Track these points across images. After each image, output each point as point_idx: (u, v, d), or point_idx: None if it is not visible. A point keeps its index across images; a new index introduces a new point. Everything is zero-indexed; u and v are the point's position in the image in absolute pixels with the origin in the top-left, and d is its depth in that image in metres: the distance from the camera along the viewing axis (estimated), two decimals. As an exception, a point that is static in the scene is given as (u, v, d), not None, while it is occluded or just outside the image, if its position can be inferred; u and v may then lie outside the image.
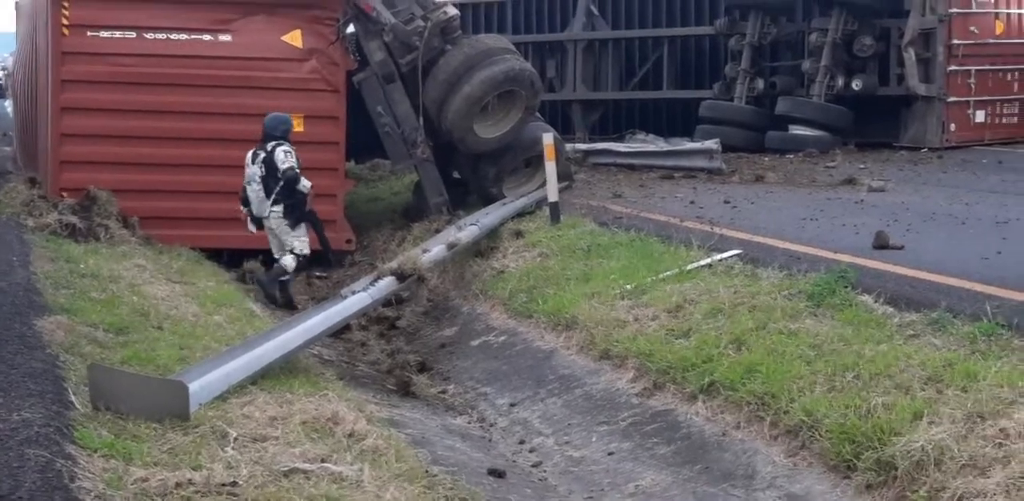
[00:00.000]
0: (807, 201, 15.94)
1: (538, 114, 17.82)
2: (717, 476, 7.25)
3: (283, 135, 13.86)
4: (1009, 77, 23.25)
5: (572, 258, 12.48)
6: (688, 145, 21.24)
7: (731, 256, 11.38)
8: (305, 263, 14.18)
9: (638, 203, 16.17)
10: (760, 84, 24.00)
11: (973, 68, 22.70)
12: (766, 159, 21.69)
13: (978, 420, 6.72)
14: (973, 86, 22.74)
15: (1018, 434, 6.46)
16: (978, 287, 9.71)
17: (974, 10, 22.81)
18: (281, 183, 13.60)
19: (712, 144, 20.31)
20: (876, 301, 9.26)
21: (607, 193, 17.27)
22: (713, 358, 8.60)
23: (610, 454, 8.02)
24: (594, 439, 8.26)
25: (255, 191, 13.81)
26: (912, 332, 8.47)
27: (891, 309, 9.06)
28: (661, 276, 10.90)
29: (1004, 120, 23.28)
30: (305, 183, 13.71)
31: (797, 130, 22.85)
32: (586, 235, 13.39)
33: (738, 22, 24.38)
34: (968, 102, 22.79)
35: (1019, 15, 23.59)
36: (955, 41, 22.48)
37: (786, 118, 23.07)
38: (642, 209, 15.44)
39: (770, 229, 13.31)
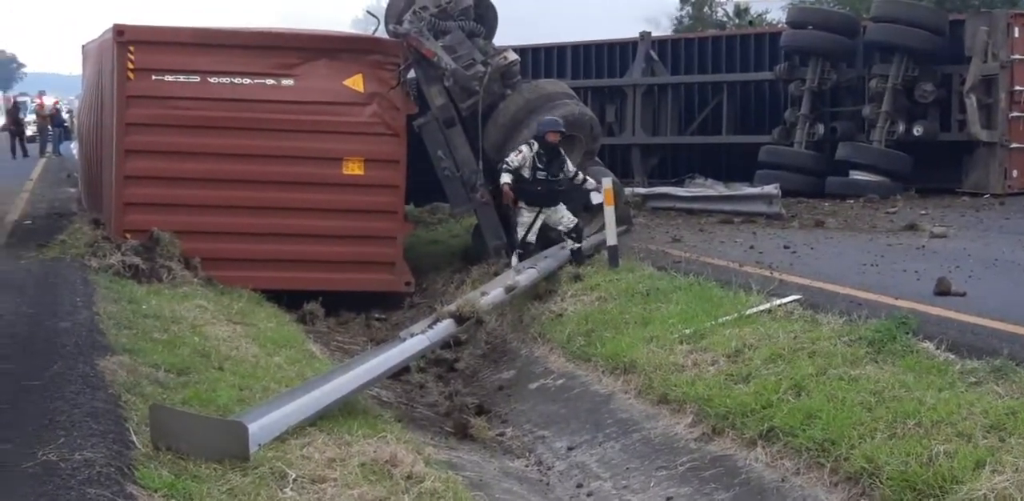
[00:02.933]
0: (868, 247, 15.86)
1: (597, 159, 17.85)
2: (778, 523, 7.19)
3: (540, 136, 15.07)
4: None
5: (631, 302, 12.44)
6: (747, 190, 21.24)
7: (791, 301, 11.32)
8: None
9: (697, 247, 16.16)
10: (820, 129, 24.02)
11: (1037, 114, 22.58)
12: (826, 204, 21.65)
13: (1042, 468, 6.63)
14: (1035, 133, 22.60)
15: (1083, 484, 6.38)
16: (1043, 335, 9.61)
17: (1037, 56, 22.71)
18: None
19: (772, 189, 20.28)
20: (937, 348, 9.18)
21: (666, 237, 17.26)
22: (772, 404, 8.53)
23: (668, 499, 7.98)
24: (652, 484, 8.22)
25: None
26: (974, 379, 8.36)
27: (953, 356, 8.98)
28: (720, 321, 10.85)
29: (1066, 166, 23.09)
30: (503, 178, 14.89)
31: (858, 175, 22.82)
32: (645, 279, 13.35)
33: (798, 67, 24.45)
34: (1032, 148, 22.65)
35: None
36: (1017, 87, 22.39)
37: (846, 163, 23.05)
38: (701, 253, 15.42)
39: (830, 274, 13.24)
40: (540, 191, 15.06)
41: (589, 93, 26.04)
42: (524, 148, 15.07)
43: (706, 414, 8.85)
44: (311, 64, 16.27)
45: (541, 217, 15.16)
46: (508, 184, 14.85)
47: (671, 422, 9.11)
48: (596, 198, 15.62)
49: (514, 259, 15.11)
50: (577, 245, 14.99)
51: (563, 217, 15.17)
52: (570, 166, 15.27)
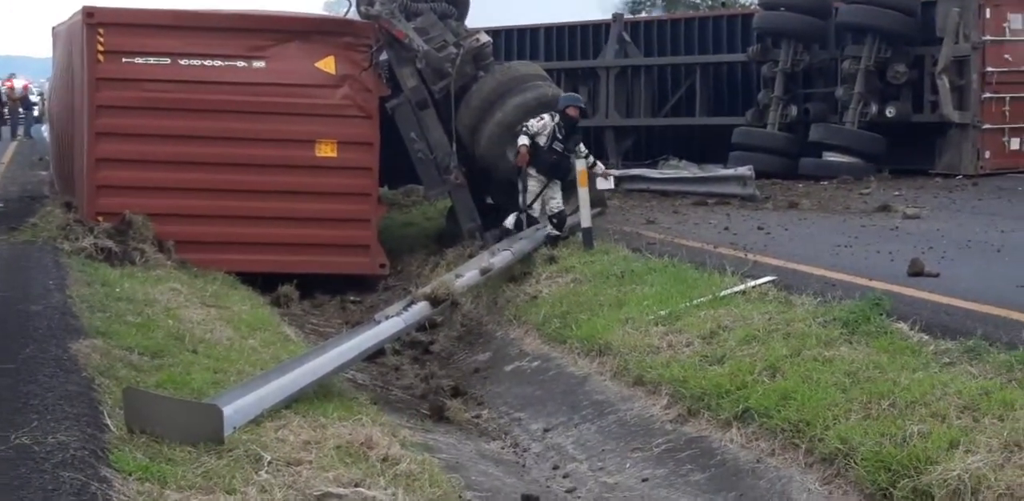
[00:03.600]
0: (841, 228, 15.89)
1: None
2: (752, 503, 7.21)
3: (560, 109, 15.16)
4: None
5: (605, 284, 12.45)
6: (721, 171, 21.25)
7: (765, 282, 11.34)
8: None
9: (671, 229, 16.17)
10: (793, 111, 24.03)
11: (1008, 95, 22.64)
12: (800, 186, 21.68)
13: (1015, 449, 6.67)
14: (1008, 113, 22.66)
15: (1056, 463, 6.41)
16: (1014, 315, 9.68)
17: (1008, 38, 22.76)
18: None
19: (745, 170, 20.30)
20: (911, 329, 9.22)
21: (640, 219, 17.27)
22: (747, 385, 8.56)
23: (644, 480, 7.99)
24: (628, 465, 8.23)
25: None
26: (948, 360, 8.40)
27: (926, 337, 9.02)
28: (695, 302, 10.87)
29: (1040, 147, 23.18)
30: (520, 139, 14.96)
31: (831, 157, 22.84)
32: (619, 261, 13.36)
33: (771, 49, 24.43)
34: (1003, 129, 22.74)
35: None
36: (989, 68, 22.43)
37: (820, 145, 23.07)
38: (675, 235, 15.43)
39: (804, 256, 13.28)
40: (553, 161, 15.15)
41: (562, 75, 25.97)
42: (546, 116, 15.13)
43: (681, 395, 8.87)
44: (282, 46, 16.20)
45: (546, 190, 15.26)
46: (526, 146, 14.90)
47: (646, 404, 9.13)
48: (603, 184, 15.71)
49: (511, 219, 15.19)
50: (556, 232, 14.99)
51: (553, 198, 15.20)
52: (583, 146, 15.34)
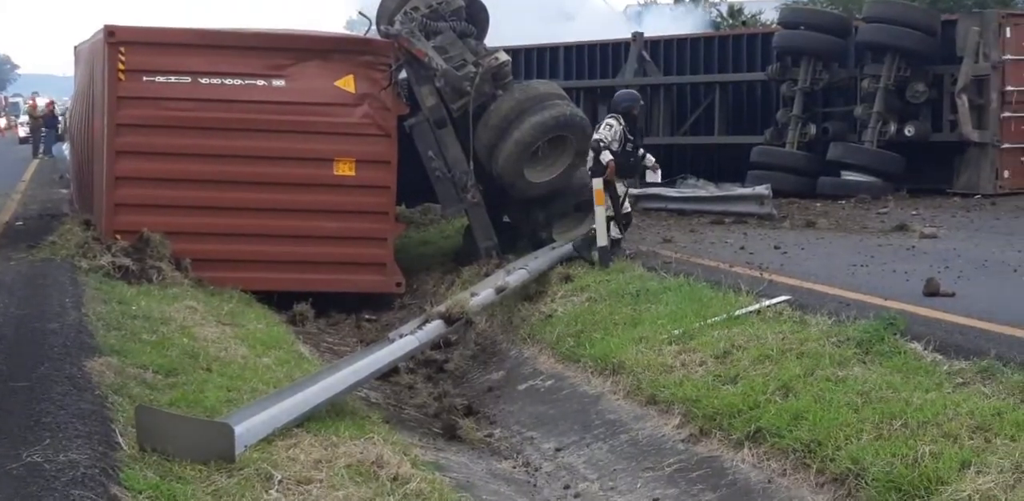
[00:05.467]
0: (858, 247, 15.87)
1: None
2: (762, 524, 7.20)
3: (623, 110, 15.25)
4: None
5: (620, 303, 12.45)
6: (739, 190, 21.26)
7: (780, 302, 11.33)
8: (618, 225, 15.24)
9: (688, 248, 16.18)
10: (812, 130, 24.06)
11: (1028, 114, 22.60)
12: (817, 205, 21.68)
13: (1027, 471, 6.65)
14: (1028, 133, 22.63)
15: (1068, 485, 6.39)
16: (1031, 336, 9.64)
17: (1028, 56, 22.73)
18: (592, 151, 15.04)
19: (763, 189, 20.31)
20: (925, 349, 9.20)
21: (657, 238, 17.28)
22: (760, 404, 8.55)
23: (655, 500, 7.98)
24: (639, 485, 8.23)
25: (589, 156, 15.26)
26: (961, 380, 8.39)
27: (940, 357, 9.00)
28: (709, 321, 10.86)
29: (1060, 167, 23.10)
30: (606, 156, 14.80)
31: (849, 176, 22.85)
32: (635, 280, 13.36)
33: (790, 68, 24.46)
34: (1022, 149, 22.67)
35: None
36: (1008, 87, 22.40)
37: (838, 164, 23.08)
38: (692, 254, 15.44)
39: (820, 275, 13.26)
40: (631, 163, 15.39)
41: (581, 94, 26.04)
42: (612, 122, 15.19)
43: (694, 415, 8.86)
44: (302, 65, 16.24)
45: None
46: (612, 160, 14.92)
47: (659, 423, 9.12)
48: (651, 177, 15.93)
49: (615, 230, 15.18)
50: (617, 235, 15.21)
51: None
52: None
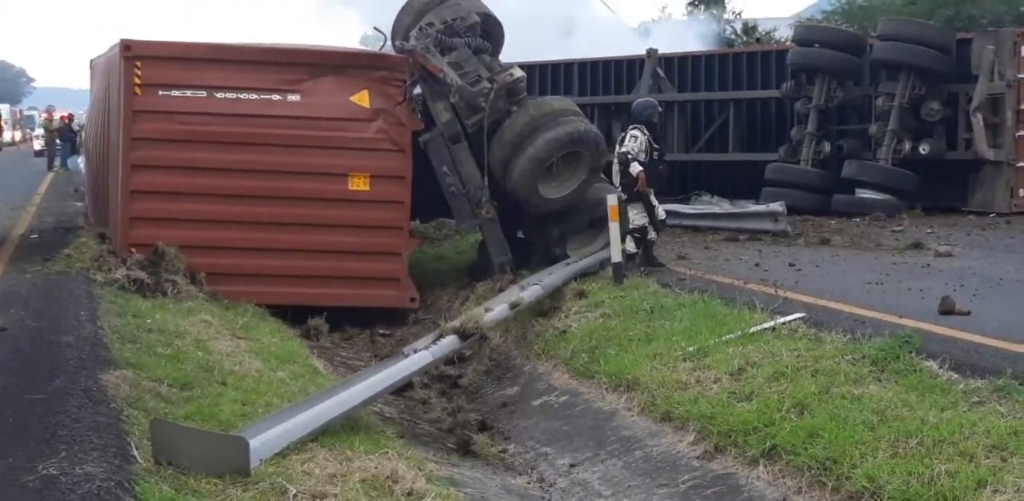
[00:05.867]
0: (873, 265, 15.85)
1: (603, 175, 17.87)
2: (777, 542, 7.18)
3: (645, 119, 15.65)
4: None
5: (635, 319, 12.44)
6: (753, 207, 21.24)
7: (795, 319, 11.30)
8: (644, 234, 15.68)
9: (702, 265, 16.16)
10: (826, 147, 24.06)
11: (1043, 133, 22.55)
12: (832, 222, 21.65)
13: (1043, 489, 6.63)
14: (1043, 151, 22.57)
15: (1084, 504, 6.38)
16: (1047, 354, 9.61)
17: (1043, 76, 22.69)
18: (619, 164, 15.42)
19: (778, 206, 20.29)
20: (941, 367, 9.18)
21: (671, 254, 17.25)
22: (775, 422, 8.54)
23: (669, 517, 8.00)
24: (654, 501, 8.23)
25: (615, 169, 15.63)
26: (977, 399, 8.37)
27: (956, 375, 8.97)
28: (724, 338, 10.85)
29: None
30: (635, 167, 15.22)
31: (864, 194, 22.83)
32: (649, 296, 13.35)
33: (804, 86, 24.46)
34: (1038, 167, 22.62)
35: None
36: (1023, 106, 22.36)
37: (853, 181, 23.06)
38: (706, 271, 15.42)
39: (835, 293, 13.23)
40: (659, 171, 15.79)
41: (596, 110, 26.07)
42: (637, 133, 15.47)
43: (709, 432, 8.85)
44: (317, 80, 16.28)
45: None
46: (642, 171, 15.24)
47: (674, 440, 9.11)
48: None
49: (652, 233, 15.67)
50: (632, 250, 15.43)
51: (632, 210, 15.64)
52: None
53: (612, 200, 14.74)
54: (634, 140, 15.26)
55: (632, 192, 15.41)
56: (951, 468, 7.06)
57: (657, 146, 15.53)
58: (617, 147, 15.68)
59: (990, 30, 25.23)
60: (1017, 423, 7.67)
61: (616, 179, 15.75)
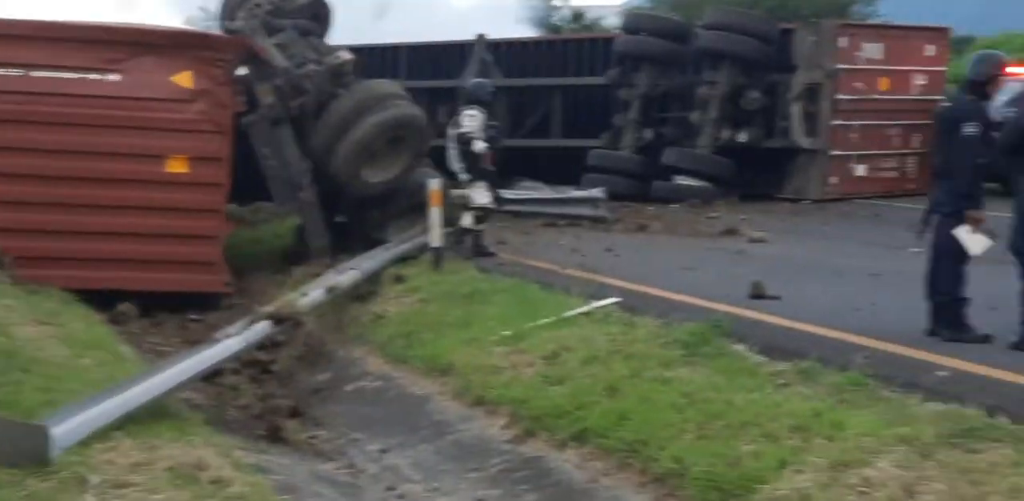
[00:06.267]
0: (688, 251, 16.09)
1: (429, 160, 17.82)
2: (583, 523, 7.22)
3: (478, 100, 15.57)
4: (890, 132, 23.65)
5: (452, 304, 12.43)
6: (573, 193, 21.36)
7: (610, 304, 11.41)
8: (486, 215, 15.70)
9: (521, 250, 16.21)
10: (648, 134, 24.24)
11: (857, 123, 23.10)
12: (650, 208, 21.85)
13: (842, 469, 6.77)
14: (855, 140, 23.15)
15: (880, 483, 6.53)
16: (849, 337, 9.89)
17: (859, 66, 23.24)
18: (459, 144, 15.28)
19: (597, 192, 20.45)
20: (749, 350, 9.37)
21: (490, 239, 17.25)
22: (586, 405, 8.59)
23: (478, 500, 7.97)
24: (463, 486, 8.20)
25: (451, 151, 15.45)
26: (783, 381, 8.55)
27: (764, 358, 9.18)
28: (539, 323, 10.90)
29: (883, 174, 23.67)
30: (479, 145, 15.18)
31: (682, 180, 23.08)
32: (467, 281, 13.36)
33: (629, 73, 24.60)
34: (850, 156, 23.18)
35: (903, 72, 24.06)
36: (840, 96, 22.88)
37: (671, 168, 23.30)
38: (525, 256, 15.47)
39: (650, 278, 13.38)
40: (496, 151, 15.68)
41: (423, 94, 25.94)
42: (474, 113, 15.30)
43: (520, 416, 8.88)
44: (138, 59, 15.81)
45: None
46: (486, 147, 15.23)
47: (486, 424, 9.12)
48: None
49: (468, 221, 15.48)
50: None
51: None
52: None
53: (433, 185, 14.69)
54: (472, 119, 15.22)
55: (477, 170, 15.36)
56: (755, 449, 7.18)
57: (495, 124, 15.53)
58: (450, 130, 15.60)
59: (812, 21, 25.80)
60: (819, 404, 7.84)
61: (455, 161, 15.59)
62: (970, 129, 9.91)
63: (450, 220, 15.88)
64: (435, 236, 14.46)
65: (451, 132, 15.52)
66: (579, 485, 7.71)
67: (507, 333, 10.76)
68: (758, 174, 23.24)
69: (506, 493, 7.88)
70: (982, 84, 10.31)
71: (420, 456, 9.04)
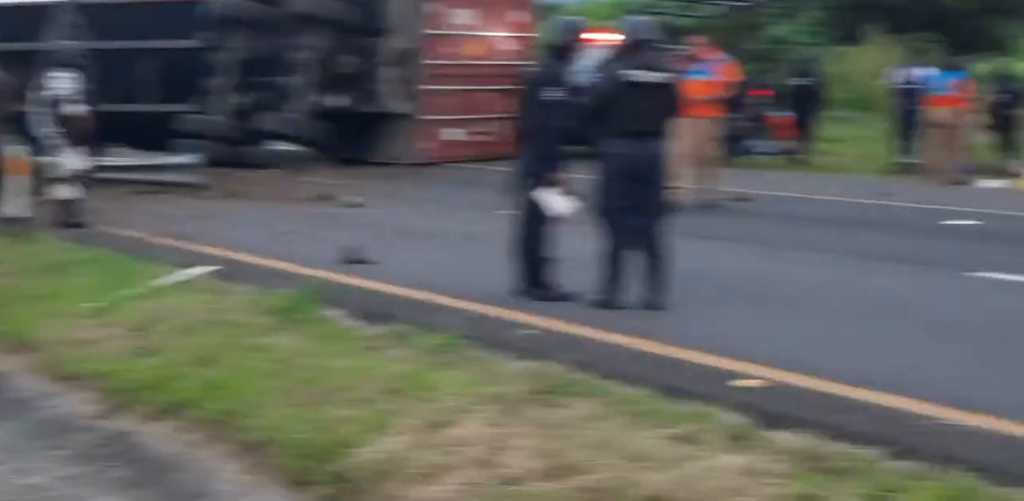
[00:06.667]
0: (285, 216, 16.01)
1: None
2: (174, 496, 7.05)
3: (70, 63, 15.74)
4: (481, 97, 24.20)
5: (38, 277, 11.90)
6: (164, 159, 20.86)
7: (204, 272, 11.25)
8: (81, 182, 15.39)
9: (112, 219, 15.72)
10: (242, 99, 23.93)
11: (447, 87, 23.54)
12: (245, 174, 21.58)
13: (435, 429, 6.89)
14: (447, 105, 23.58)
15: (471, 441, 6.68)
16: (442, 299, 10.12)
17: (449, 32, 23.67)
18: (50, 108, 15.09)
19: (190, 159, 20.07)
20: (345, 316, 9.44)
21: (81, 208, 16.66)
22: (180, 377, 8.40)
23: (66, 479, 7.67)
24: (50, 465, 7.87)
25: (35, 116, 15.15)
26: (377, 345, 8.65)
27: (359, 323, 9.28)
28: (130, 292, 10.62)
29: (476, 138, 24.26)
30: (80, 107, 15.13)
31: (276, 145, 22.94)
32: (54, 251, 12.85)
33: (224, 36, 24.17)
34: (442, 121, 23.64)
35: (494, 38, 24.65)
36: (430, 61, 23.23)
37: (266, 133, 23.12)
38: (116, 225, 15.03)
39: (246, 245, 13.27)
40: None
41: (7, 58, 24.64)
42: (67, 75, 15.20)
43: (109, 390, 8.60)
44: None
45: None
46: (85, 110, 15.11)
47: (72, 400, 8.78)
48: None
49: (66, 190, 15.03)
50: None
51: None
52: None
53: (11, 152, 14.04)
54: (64, 82, 14.65)
55: (73, 135, 14.92)
56: (349, 413, 7.20)
57: (87, 88, 15.01)
58: (33, 94, 14.93)
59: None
60: (411, 367, 7.98)
61: (40, 127, 14.91)
62: (551, 93, 10.26)
63: (36, 189, 15.29)
64: (18, 206, 13.84)
65: (36, 96, 14.86)
66: (170, 458, 7.53)
67: (97, 305, 10.41)
68: (355, 139, 23.37)
69: (95, 470, 7.60)
70: (564, 49, 10.68)
71: (2, 436, 8.63)
